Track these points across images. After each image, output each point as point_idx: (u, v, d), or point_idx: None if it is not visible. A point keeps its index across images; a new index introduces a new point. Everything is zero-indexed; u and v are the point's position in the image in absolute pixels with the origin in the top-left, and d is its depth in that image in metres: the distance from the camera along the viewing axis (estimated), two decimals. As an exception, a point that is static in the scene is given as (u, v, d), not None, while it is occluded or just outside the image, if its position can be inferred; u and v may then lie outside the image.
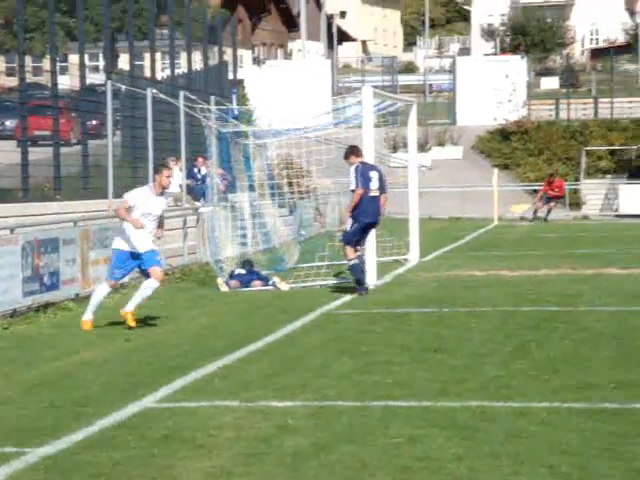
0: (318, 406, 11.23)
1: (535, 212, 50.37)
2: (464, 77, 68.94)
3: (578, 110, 67.80)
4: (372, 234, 22.94)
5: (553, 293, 20.91)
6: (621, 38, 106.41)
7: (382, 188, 21.67)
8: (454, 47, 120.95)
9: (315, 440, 9.77)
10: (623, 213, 51.13)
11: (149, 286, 17.35)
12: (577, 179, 58.00)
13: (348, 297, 21.06)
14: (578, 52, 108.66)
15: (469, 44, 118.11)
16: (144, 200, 17.10)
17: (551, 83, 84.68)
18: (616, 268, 25.62)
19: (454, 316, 17.94)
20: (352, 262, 21.51)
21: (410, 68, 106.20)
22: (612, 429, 10.03)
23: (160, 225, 17.53)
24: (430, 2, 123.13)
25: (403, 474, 8.66)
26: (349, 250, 21.48)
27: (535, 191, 57.51)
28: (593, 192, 56.02)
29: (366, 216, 21.46)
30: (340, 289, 22.24)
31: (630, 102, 67.08)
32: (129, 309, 17.14)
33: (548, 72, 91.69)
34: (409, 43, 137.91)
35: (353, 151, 21.76)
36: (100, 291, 17.70)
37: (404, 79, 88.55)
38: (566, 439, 9.66)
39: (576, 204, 55.41)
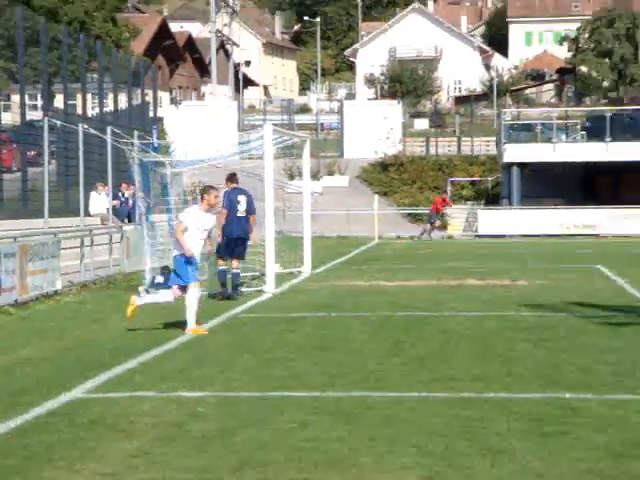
0: (224, 396, 11.19)
1: (429, 232, 51.13)
2: (350, 117, 69.25)
3: (444, 147, 68.52)
4: (271, 251, 22.98)
5: (423, 300, 21.04)
6: (479, 88, 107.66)
7: (250, 210, 21.94)
8: (342, 92, 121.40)
9: (221, 425, 9.74)
10: (481, 234, 51.63)
11: (191, 300, 16.40)
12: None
13: (250, 303, 21.03)
14: (444, 99, 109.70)
15: (354, 90, 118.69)
16: (196, 217, 16.74)
17: (422, 124, 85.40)
18: (474, 279, 25.85)
19: (340, 320, 17.99)
20: (219, 268, 22.09)
21: (305, 109, 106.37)
22: (470, 414, 10.11)
23: (209, 237, 17.17)
24: (321, 54, 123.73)
25: (295, 453, 8.65)
26: (219, 259, 22.00)
27: (409, 214, 57.97)
28: (457, 216, 56.50)
29: (231, 232, 21.77)
30: (244, 297, 22.20)
31: (487, 141, 67.85)
32: (190, 326, 16.34)
33: (419, 115, 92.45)
34: (304, 88, 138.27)
35: (228, 178, 22.36)
36: (193, 296, 16.45)
37: (299, 118, 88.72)
38: (432, 423, 9.71)
39: (443, 226, 55.86)
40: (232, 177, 22.27)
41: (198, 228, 16.65)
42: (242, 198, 21.90)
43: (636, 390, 11.28)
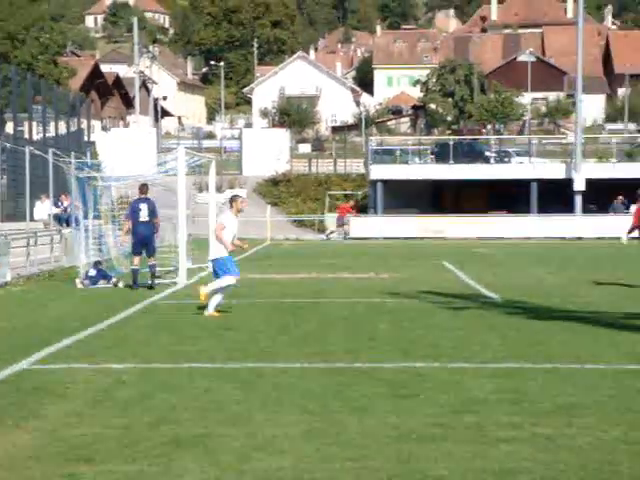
0: (144, 367, 11.08)
1: (336, 232, 51.41)
2: (248, 142, 69.04)
3: (324, 166, 68.71)
4: (183, 249, 22.81)
5: (306, 290, 21.07)
6: (351, 120, 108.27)
7: (152, 215, 21.64)
8: (241, 122, 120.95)
9: (141, 391, 9.64)
10: (353, 237, 51.87)
11: (228, 281, 16.28)
12: (323, 213, 58.58)
13: (166, 292, 20.85)
14: (323, 128, 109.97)
15: (251, 120, 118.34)
16: (231, 221, 16.58)
17: (305, 148, 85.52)
18: (347, 273, 25.96)
19: (240, 306, 17.91)
20: (133, 267, 21.87)
21: (211, 135, 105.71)
22: (342, 380, 10.15)
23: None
24: (225, 91, 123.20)
25: (201, 413, 8.62)
26: (134, 257, 21.83)
27: (295, 221, 57.99)
28: (333, 222, 56.64)
29: (137, 235, 21.57)
30: (161, 287, 21.99)
31: (357, 162, 68.22)
32: (204, 291, 16.18)
33: (304, 140, 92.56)
34: (210, 118, 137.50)
35: (139, 188, 22.09)
36: (228, 280, 16.29)
37: (207, 143, 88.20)
38: (312, 388, 9.74)
39: (322, 230, 56.01)
40: (141, 188, 22.10)
41: (232, 230, 16.56)
42: (143, 206, 21.65)
43: (471, 359, 11.44)
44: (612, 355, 11.69)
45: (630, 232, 21.13)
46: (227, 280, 16.46)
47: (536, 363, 11.13)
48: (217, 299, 16.45)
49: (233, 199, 16.90)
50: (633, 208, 21.38)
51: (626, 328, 14.15)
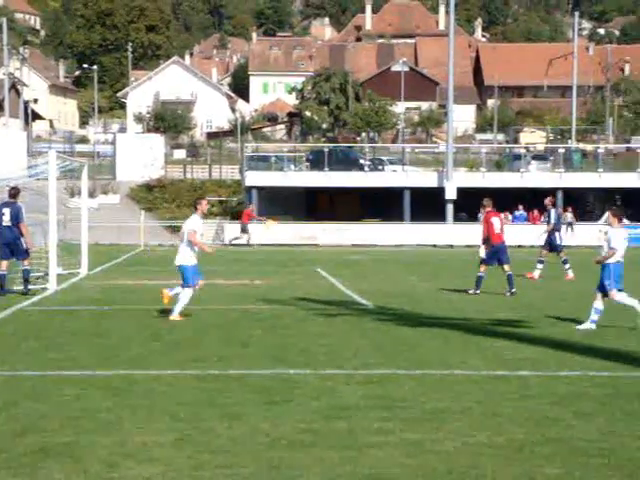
0: (10, 375, 10.82)
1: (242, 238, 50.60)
2: (122, 147, 68.18)
3: (198, 172, 68.35)
4: (54, 255, 22.36)
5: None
6: (227, 126, 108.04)
7: (15, 219, 21.05)
8: (115, 127, 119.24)
9: (5, 399, 9.41)
10: (228, 243, 51.71)
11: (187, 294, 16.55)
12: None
13: (35, 298, 20.40)
14: (198, 134, 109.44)
15: (126, 125, 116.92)
16: (200, 224, 16.59)
17: (180, 154, 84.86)
18: (222, 279, 25.87)
19: (112, 312, 17.68)
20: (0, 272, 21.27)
21: (84, 140, 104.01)
22: (214, 387, 10.12)
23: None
24: (98, 95, 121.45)
25: (70, 421, 8.47)
26: (1, 263, 21.14)
27: (169, 227, 57.51)
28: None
29: (3, 240, 20.98)
30: (30, 293, 21.51)
31: (233, 169, 68.06)
32: (168, 293, 16.73)
33: (179, 146, 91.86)
34: (83, 122, 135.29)
35: (8, 192, 21.60)
36: (187, 295, 16.58)
37: (79, 147, 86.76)
38: (184, 395, 9.66)
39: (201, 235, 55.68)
40: (9, 191, 21.55)
41: (201, 233, 16.64)
42: (6, 210, 21.09)
43: (343, 366, 11.54)
44: (480, 361, 11.94)
45: (485, 242, 21.52)
46: (186, 294, 16.62)
47: (407, 369, 11.29)
48: (182, 304, 16.48)
49: (197, 202, 16.97)
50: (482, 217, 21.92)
51: (494, 335, 14.48)
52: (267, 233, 50.50)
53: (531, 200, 52.73)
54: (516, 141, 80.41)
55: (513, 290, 21.11)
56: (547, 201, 27.22)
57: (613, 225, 15.57)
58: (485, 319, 16.53)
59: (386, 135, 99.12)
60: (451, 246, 49.32)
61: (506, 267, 21.46)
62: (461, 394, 9.77)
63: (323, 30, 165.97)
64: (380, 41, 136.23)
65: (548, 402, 9.41)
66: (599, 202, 56.77)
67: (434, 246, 49.31)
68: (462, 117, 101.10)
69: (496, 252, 21.40)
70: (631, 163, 58.27)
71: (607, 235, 15.42)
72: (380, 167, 59.00)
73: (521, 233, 49.37)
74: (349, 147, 67.87)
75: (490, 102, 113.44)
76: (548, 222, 27.34)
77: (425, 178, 54.75)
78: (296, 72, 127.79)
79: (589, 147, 67.73)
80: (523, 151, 62.88)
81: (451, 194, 52.35)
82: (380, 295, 20.95)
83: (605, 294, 15.34)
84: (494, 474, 6.90)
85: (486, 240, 21.33)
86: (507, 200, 51.77)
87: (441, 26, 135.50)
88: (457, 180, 53.06)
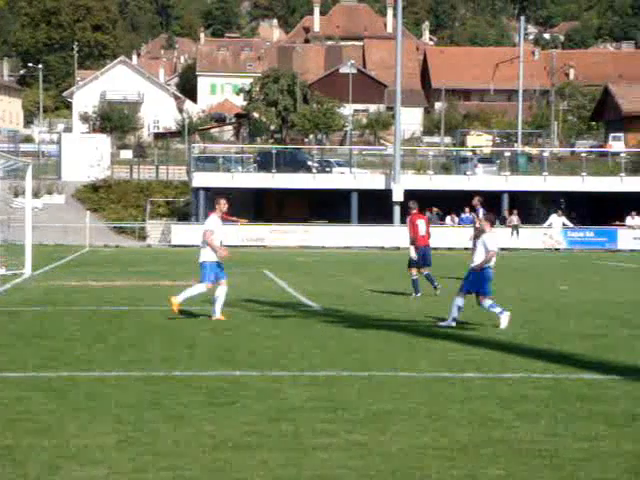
0: (-49, 377, 10.67)
1: None
2: (67, 147, 67.57)
3: (145, 173, 67.92)
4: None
5: (125, 297, 20.78)
6: (174, 127, 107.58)
7: None
8: (60, 126, 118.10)
9: (-53, 402, 9.28)
10: (175, 244, 51.49)
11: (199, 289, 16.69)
12: (144, 220, 57.94)
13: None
14: (145, 134, 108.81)
15: (71, 125, 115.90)
16: (217, 224, 16.69)
17: (127, 154, 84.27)
18: (168, 281, 25.75)
19: (55, 313, 17.51)
20: None
21: (29, 139, 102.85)
22: (159, 389, 10.05)
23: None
24: (43, 94, 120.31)
25: (10, 424, 8.36)
26: None
27: (115, 227, 57.13)
28: (155, 229, 56.15)
29: None
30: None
31: (180, 169, 67.67)
32: (176, 300, 16.50)
33: (125, 146, 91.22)
34: (28, 122, 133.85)
35: None
36: (197, 289, 16.68)
37: (24, 147, 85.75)
38: (128, 397, 9.59)
39: (143, 237, 55.40)
40: None
41: (218, 234, 16.69)
42: None
43: (289, 368, 11.53)
44: (426, 363, 12.00)
45: (413, 244, 21.69)
46: (198, 288, 16.60)
47: (353, 371, 11.30)
48: (220, 302, 16.54)
49: (216, 201, 17.09)
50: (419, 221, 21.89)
51: (439, 336, 14.56)
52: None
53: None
54: (463, 144, 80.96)
55: (437, 285, 21.37)
56: (475, 201, 26.98)
57: (486, 230, 15.81)
58: (430, 321, 16.61)
59: (334, 137, 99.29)
60: (398, 248, 49.52)
61: (426, 269, 21.64)
62: (406, 396, 9.81)
63: (271, 31, 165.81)
64: (328, 43, 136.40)
65: (492, 404, 9.48)
66: (544, 205, 57.37)
67: (382, 248, 49.50)
68: (410, 120, 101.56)
69: (422, 254, 21.54)
70: (575, 167, 59.01)
71: (482, 239, 15.62)
72: (328, 169, 59.12)
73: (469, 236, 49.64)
74: (297, 149, 67.91)
75: (437, 105, 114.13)
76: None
77: (373, 180, 54.96)
78: (244, 73, 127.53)
79: (534, 151, 68.42)
80: (470, 154, 63.41)
81: (398, 196, 52.56)
82: (327, 297, 20.97)
83: (478, 295, 15.59)
84: (438, 475, 6.93)
85: (413, 242, 21.53)
86: (454, 203, 52.17)
87: (389, 29, 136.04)
88: (404, 182, 53.31)
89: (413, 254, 21.35)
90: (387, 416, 8.84)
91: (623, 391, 10.22)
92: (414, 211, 21.75)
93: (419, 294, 21.38)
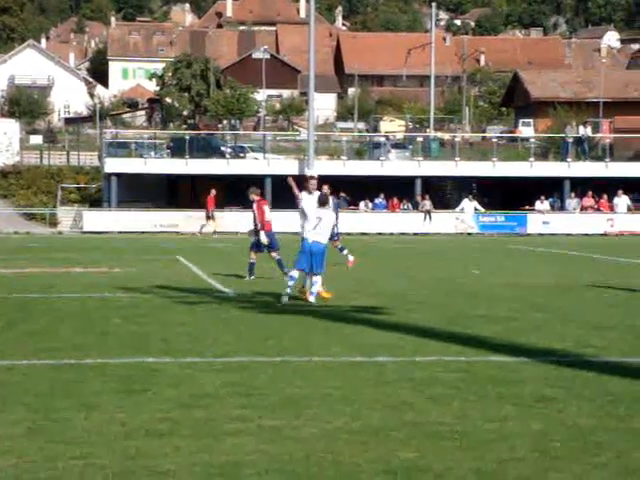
0: None
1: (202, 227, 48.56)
2: (-26, 132, 66.05)
3: (56, 158, 66.86)
4: None
5: (36, 285, 20.44)
6: (85, 112, 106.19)
7: None
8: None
9: None
10: (86, 230, 50.82)
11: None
12: (54, 206, 57.05)
13: None
14: (56, 119, 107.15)
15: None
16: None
17: (37, 139, 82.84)
18: (79, 267, 25.43)
19: (-38, 302, 17.16)
20: None
21: None
22: (71, 377, 9.94)
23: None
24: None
25: None
26: None
27: (25, 214, 56.18)
28: (65, 215, 55.37)
29: None
30: None
31: (92, 155, 66.73)
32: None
33: (35, 132, 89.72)
34: None
35: None
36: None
37: None
38: (39, 385, 9.46)
39: (54, 223, 54.62)
40: None
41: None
42: None
43: (203, 354, 11.50)
44: (340, 348, 12.06)
45: (262, 228, 22.12)
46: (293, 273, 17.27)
47: (267, 357, 11.31)
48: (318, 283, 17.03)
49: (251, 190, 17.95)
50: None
51: (354, 321, 14.65)
52: (127, 220, 49.86)
53: (391, 188, 53.45)
54: (376, 130, 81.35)
55: (287, 271, 21.62)
56: (326, 188, 26.59)
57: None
58: (345, 305, 16.71)
59: (247, 122, 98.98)
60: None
61: (274, 254, 22.10)
62: (320, 380, 9.86)
63: (183, 16, 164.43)
64: (241, 28, 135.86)
65: (404, 387, 9.57)
66: (456, 190, 58.05)
67: (295, 234, 49.51)
68: (323, 105, 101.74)
69: (269, 238, 22.15)
70: (486, 152, 59.80)
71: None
72: (242, 155, 58.91)
73: (382, 221, 50.10)
74: (210, 134, 67.52)
75: (351, 91, 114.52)
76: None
77: (287, 166, 54.90)
78: (156, 58, 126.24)
79: (446, 136, 69.10)
80: (383, 140, 63.75)
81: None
82: (241, 282, 20.93)
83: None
84: (351, 459, 6.99)
85: (262, 226, 22.01)
86: (368, 188, 52.48)
87: (302, 14, 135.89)
88: (318, 168, 53.36)
89: (264, 238, 21.86)
90: (301, 401, 8.88)
91: (531, 373, 10.42)
92: (257, 197, 22.30)
93: (252, 277, 21.75)
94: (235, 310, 15.98)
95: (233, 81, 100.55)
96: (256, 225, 21.93)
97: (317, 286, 17.13)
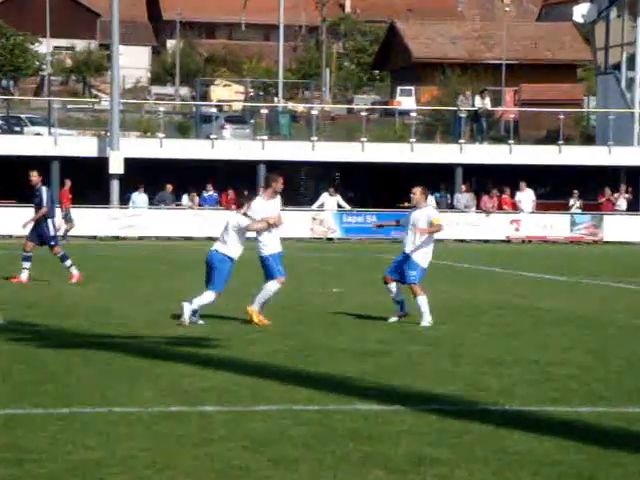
0: None
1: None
2: None
3: None
4: None
5: None
6: None
7: None
8: None
9: None
10: None
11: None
12: None
13: None
14: None
15: None
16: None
17: None
18: None
19: None
20: None
21: None
22: None
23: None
24: None
25: None
26: None
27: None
28: None
29: None
30: None
31: None
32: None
33: None
34: None
35: None
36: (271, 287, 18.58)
37: None
38: None
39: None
40: None
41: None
42: None
43: None
44: (151, 394, 12.00)
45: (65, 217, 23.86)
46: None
47: (45, 408, 11.18)
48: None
49: (272, 178, 18.82)
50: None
51: (172, 358, 14.59)
52: None
53: (225, 177, 53.51)
54: (205, 97, 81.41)
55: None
56: (35, 177, 26.29)
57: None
58: (159, 336, 16.62)
59: (26, 84, 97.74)
60: (117, 237, 49.24)
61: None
62: (122, 439, 9.79)
63: None
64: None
65: (238, 447, 9.59)
66: (313, 181, 58.43)
67: (94, 237, 48.96)
68: (133, 63, 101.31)
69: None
70: (354, 130, 60.43)
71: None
72: (18, 128, 58.10)
73: (212, 221, 50.10)
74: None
75: (170, 43, 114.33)
76: (39, 205, 26.50)
77: (81, 145, 54.24)
78: None
79: (300, 107, 69.84)
80: (215, 111, 63.81)
81: (117, 167, 52.06)
82: (15, 306, 20.61)
83: None
84: None
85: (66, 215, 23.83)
86: (193, 177, 52.34)
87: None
88: (126, 149, 52.98)
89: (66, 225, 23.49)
90: (94, 469, 8.78)
91: (407, 425, 10.56)
92: (67, 187, 24.45)
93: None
94: (6, 344, 15.72)
95: (4, 26, 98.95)
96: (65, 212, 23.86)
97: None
